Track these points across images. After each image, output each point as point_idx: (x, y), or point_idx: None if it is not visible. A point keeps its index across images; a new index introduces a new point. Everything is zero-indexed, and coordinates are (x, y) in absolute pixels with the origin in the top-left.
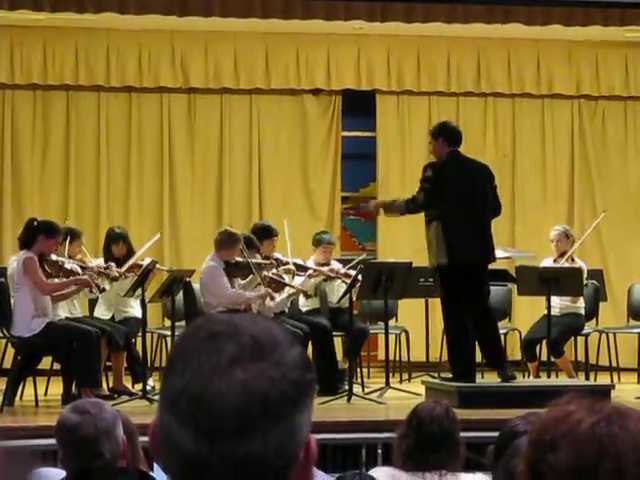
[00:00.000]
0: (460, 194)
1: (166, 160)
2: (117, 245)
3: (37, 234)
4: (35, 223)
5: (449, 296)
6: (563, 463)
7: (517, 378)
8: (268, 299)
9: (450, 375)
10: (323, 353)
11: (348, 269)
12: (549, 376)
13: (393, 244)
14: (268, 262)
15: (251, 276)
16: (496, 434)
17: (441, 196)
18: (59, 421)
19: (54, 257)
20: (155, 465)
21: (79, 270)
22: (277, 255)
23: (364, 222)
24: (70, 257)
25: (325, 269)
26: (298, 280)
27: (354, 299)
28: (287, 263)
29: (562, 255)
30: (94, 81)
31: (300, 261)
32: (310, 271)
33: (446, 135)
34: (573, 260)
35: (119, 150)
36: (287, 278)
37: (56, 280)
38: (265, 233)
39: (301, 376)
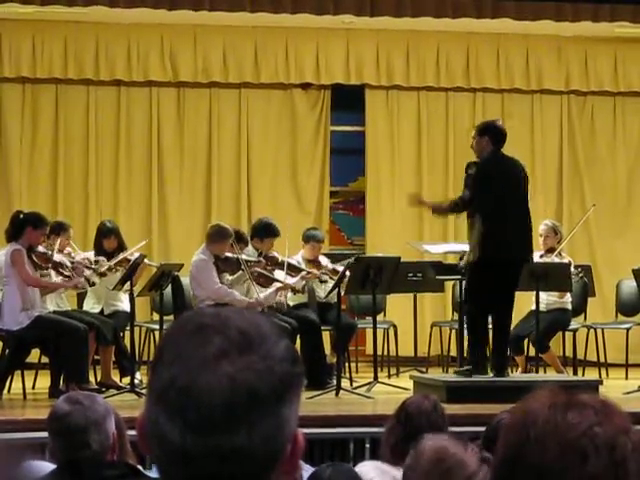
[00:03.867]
0: (501, 193)
1: (155, 154)
2: (108, 239)
3: (24, 226)
4: (22, 215)
5: (477, 289)
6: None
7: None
8: (255, 295)
9: (465, 368)
10: (311, 348)
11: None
12: (537, 371)
13: (382, 239)
14: (257, 260)
15: (240, 272)
16: (484, 429)
17: (483, 194)
18: (51, 410)
19: (42, 249)
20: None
21: (67, 263)
22: (274, 253)
23: (353, 217)
24: (59, 251)
25: (317, 272)
26: (291, 281)
27: (342, 294)
28: (282, 263)
29: (549, 251)
30: (83, 74)
31: (294, 262)
32: (303, 273)
33: (492, 135)
34: (561, 255)
35: (108, 144)
36: (276, 273)
37: (52, 273)
38: (267, 231)
39: (289, 369)
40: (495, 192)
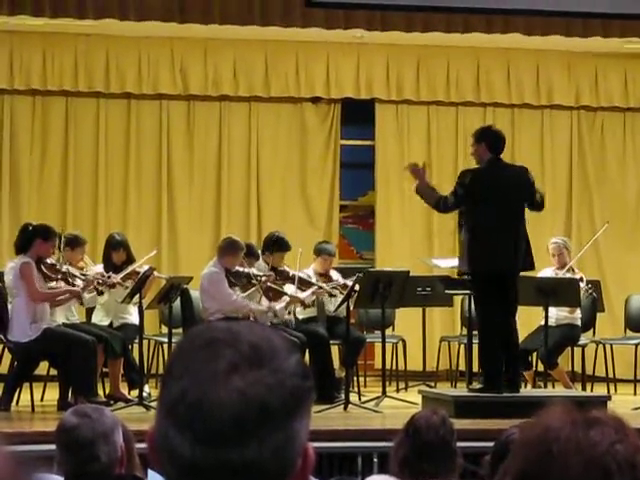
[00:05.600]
0: (494, 203)
1: (164, 166)
2: (117, 252)
3: (34, 238)
4: (30, 227)
5: (482, 303)
6: (514, 467)
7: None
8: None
9: (479, 386)
10: (320, 362)
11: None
12: (545, 387)
13: (391, 253)
14: (267, 274)
15: (252, 289)
16: (492, 444)
17: (474, 203)
18: (59, 423)
19: (51, 261)
20: (150, 472)
21: (77, 274)
22: (284, 267)
23: (362, 231)
24: (71, 264)
25: (328, 288)
26: (301, 295)
27: (351, 308)
28: (293, 277)
29: (563, 266)
30: (93, 87)
31: (305, 276)
32: (314, 288)
33: (488, 141)
34: (574, 271)
35: (118, 156)
36: (286, 288)
37: (52, 284)
38: (278, 245)
39: (299, 383)
40: (487, 204)
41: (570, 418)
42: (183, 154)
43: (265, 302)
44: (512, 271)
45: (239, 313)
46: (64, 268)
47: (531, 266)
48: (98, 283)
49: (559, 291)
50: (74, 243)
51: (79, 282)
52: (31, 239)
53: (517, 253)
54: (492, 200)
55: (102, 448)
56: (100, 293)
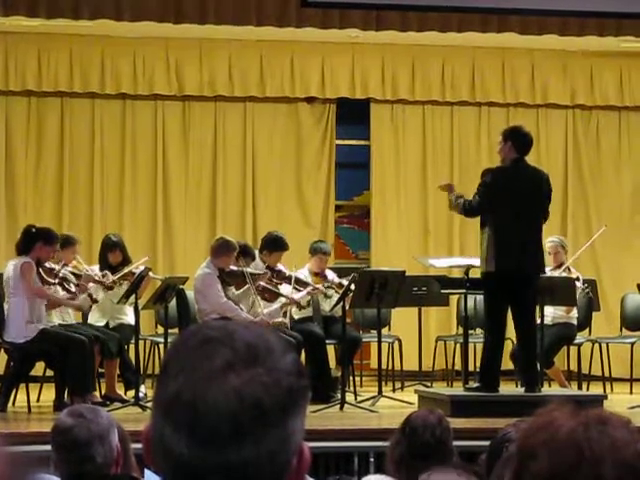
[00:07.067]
0: (514, 203)
1: (160, 167)
2: (113, 253)
3: (35, 241)
4: (33, 230)
5: (492, 304)
6: (542, 470)
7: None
8: (259, 310)
9: (475, 385)
10: (316, 361)
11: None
12: (542, 386)
13: (387, 253)
14: (263, 272)
15: (246, 286)
16: (488, 443)
17: (495, 203)
18: (54, 424)
19: (49, 265)
20: (146, 471)
21: (73, 279)
22: (280, 267)
23: (358, 231)
24: (65, 264)
25: (323, 288)
26: (296, 296)
27: (347, 307)
28: (289, 277)
29: (560, 266)
30: (88, 88)
31: (301, 276)
32: (309, 288)
33: (515, 142)
34: (570, 271)
35: (113, 157)
36: (282, 288)
37: (59, 289)
38: (276, 244)
39: (295, 382)
40: (507, 204)
41: (584, 418)
42: (178, 154)
43: (259, 309)
44: (526, 271)
45: (229, 316)
46: (61, 273)
47: (540, 269)
48: (93, 281)
49: (555, 290)
50: (65, 243)
51: (74, 288)
52: (33, 241)
53: (533, 254)
54: (510, 199)
55: (98, 449)
56: (95, 301)
